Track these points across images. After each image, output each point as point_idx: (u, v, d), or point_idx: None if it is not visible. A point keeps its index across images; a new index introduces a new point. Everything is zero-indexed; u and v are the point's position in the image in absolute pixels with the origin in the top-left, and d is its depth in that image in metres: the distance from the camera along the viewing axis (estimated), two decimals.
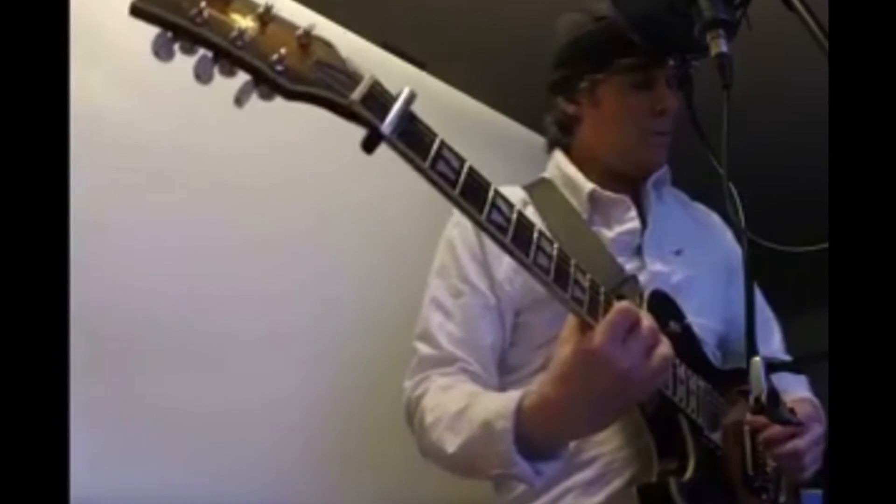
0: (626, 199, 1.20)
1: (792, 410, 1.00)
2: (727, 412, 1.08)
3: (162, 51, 0.61)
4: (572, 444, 1.04)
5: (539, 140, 1.38)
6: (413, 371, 1.10)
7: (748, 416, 1.07)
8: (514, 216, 0.76)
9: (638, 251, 1.17)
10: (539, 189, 1.24)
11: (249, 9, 0.64)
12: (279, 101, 0.67)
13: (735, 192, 0.90)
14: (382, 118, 0.67)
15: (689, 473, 0.96)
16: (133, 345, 1.23)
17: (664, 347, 0.83)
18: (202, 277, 1.32)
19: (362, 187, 1.48)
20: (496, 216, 0.74)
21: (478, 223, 0.74)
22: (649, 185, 1.24)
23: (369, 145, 0.68)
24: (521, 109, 1.96)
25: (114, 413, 1.18)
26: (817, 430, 1.07)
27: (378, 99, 0.68)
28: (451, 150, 0.73)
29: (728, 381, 1.13)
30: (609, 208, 1.20)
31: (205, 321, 1.31)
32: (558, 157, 1.27)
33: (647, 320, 0.83)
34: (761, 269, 0.96)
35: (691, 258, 1.21)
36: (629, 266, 1.15)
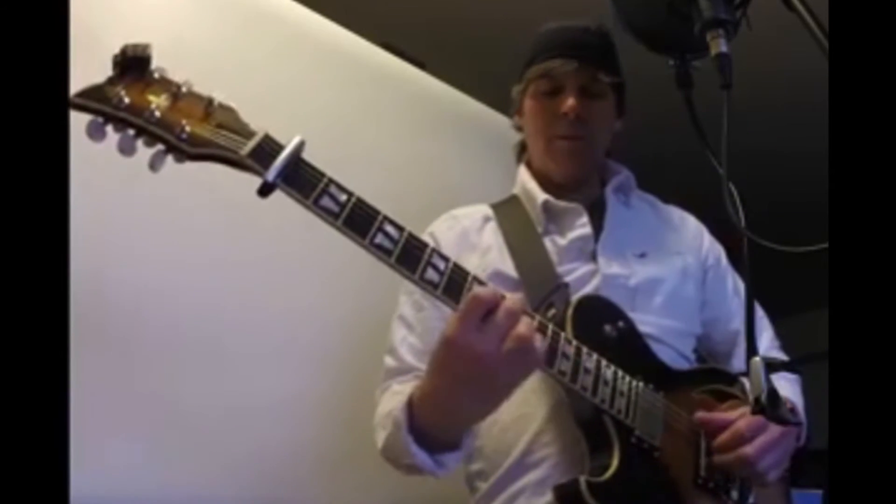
0: (578, 206, 1.24)
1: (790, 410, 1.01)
2: (677, 413, 1.08)
3: (94, 133, 0.77)
4: (523, 444, 1.09)
5: None
6: (381, 381, 1.18)
7: (700, 415, 1.09)
8: (404, 238, 0.85)
9: (593, 256, 1.20)
10: (505, 205, 1.31)
11: (164, 88, 0.80)
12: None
13: (735, 192, 0.89)
14: (268, 167, 0.79)
15: (608, 473, 0.97)
16: (136, 345, 1.24)
17: (522, 327, 0.84)
18: (205, 277, 1.32)
19: (376, 185, 1.48)
20: (380, 239, 0.83)
21: (362, 246, 0.83)
22: (608, 191, 1.30)
23: (263, 191, 0.79)
24: None
25: (115, 413, 1.18)
26: (771, 434, 1.04)
27: (267, 151, 0.80)
28: (339, 186, 0.83)
29: (687, 381, 1.15)
30: (562, 217, 1.25)
31: (207, 321, 1.32)
32: (520, 171, 1.35)
33: (507, 304, 0.84)
34: (759, 269, 0.96)
35: (657, 260, 1.23)
36: (583, 270, 1.18)
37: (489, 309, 0.83)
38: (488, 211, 1.30)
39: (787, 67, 2.11)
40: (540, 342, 0.86)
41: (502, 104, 1.95)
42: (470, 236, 1.25)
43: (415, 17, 2.27)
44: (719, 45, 0.84)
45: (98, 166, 1.18)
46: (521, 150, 1.37)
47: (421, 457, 0.94)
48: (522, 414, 1.10)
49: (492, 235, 1.25)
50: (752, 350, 1.03)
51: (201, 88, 0.83)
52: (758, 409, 0.93)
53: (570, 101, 1.21)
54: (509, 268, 1.18)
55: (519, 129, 1.36)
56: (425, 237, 1.24)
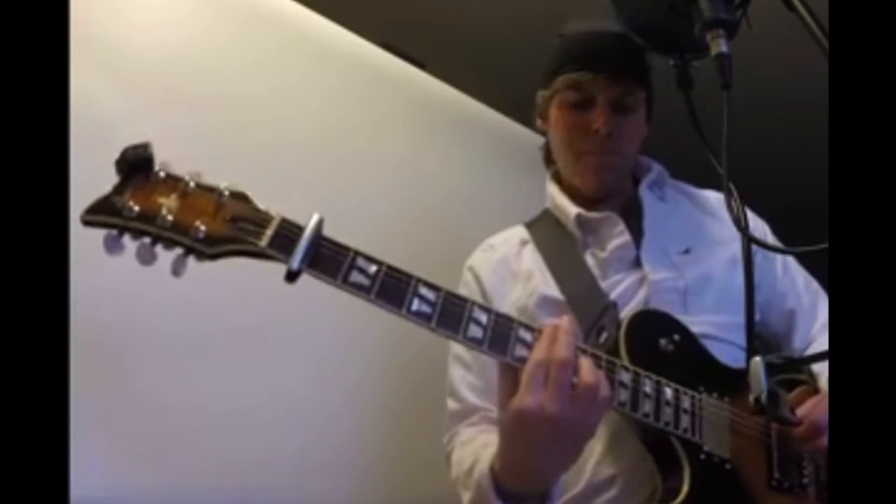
0: (612, 215, 1.20)
1: (792, 409, 1.00)
2: (743, 417, 1.06)
3: (112, 247, 0.76)
4: (591, 466, 1.07)
5: (538, 140, 1.39)
6: (447, 426, 1.16)
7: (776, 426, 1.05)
8: (441, 300, 0.84)
9: (637, 262, 1.17)
10: (539, 224, 1.28)
11: (171, 188, 0.78)
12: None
13: (735, 192, 0.89)
14: (291, 253, 0.78)
15: (679, 498, 0.96)
16: (140, 345, 1.24)
17: (586, 374, 0.84)
18: (209, 276, 1.32)
19: (376, 185, 1.48)
20: (417, 305, 0.82)
21: (399, 315, 0.82)
22: (642, 189, 1.25)
23: (289, 278, 0.78)
24: (521, 109, 1.96)
25: (121, 414, 1.18)
26: None
27: (286, 237, 0.79)
28: (366, 258, 0.82)
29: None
30: (598, 228, 1.21)
31: (213, 321, 1.32)
32: (550, 186, 1.31)
33: (561, 353, 0.83)
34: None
35: (702, 254, 1.19)
36: (629, 279, 1.15)
37: (547, 367, 0.83)
38: (524, 233, 1.27)
39: (787, 67, 2.11)
40: (604, 379, 0.86)
41: (502, 104, 1.95)
42: (510, 264, 1.23)
43: (415, 17, 2.27)
44: (719, 45, 0.84)
45: (98, 166, 1.18)
46: (548, 155, 1.32)
47: None
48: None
49: (531, 259, 1.22)
50: (751, 350, 1.03)
51: (209, 180, 0.81)
52: (758, 408, 0.93)
53: (602, 119, 1.17)
54: (554, 291, 1.16)
55: (543, 133, 1.31)
56: (465, 273, 1.26)
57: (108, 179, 1.23)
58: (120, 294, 1.22)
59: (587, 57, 1.18)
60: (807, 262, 1.34)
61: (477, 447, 1.04)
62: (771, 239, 1.31)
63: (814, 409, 1.04)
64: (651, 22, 1.05)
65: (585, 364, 0.85)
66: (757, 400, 0.92)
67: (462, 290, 1.21)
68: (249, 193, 0.81)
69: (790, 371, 1.14)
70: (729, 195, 0.87)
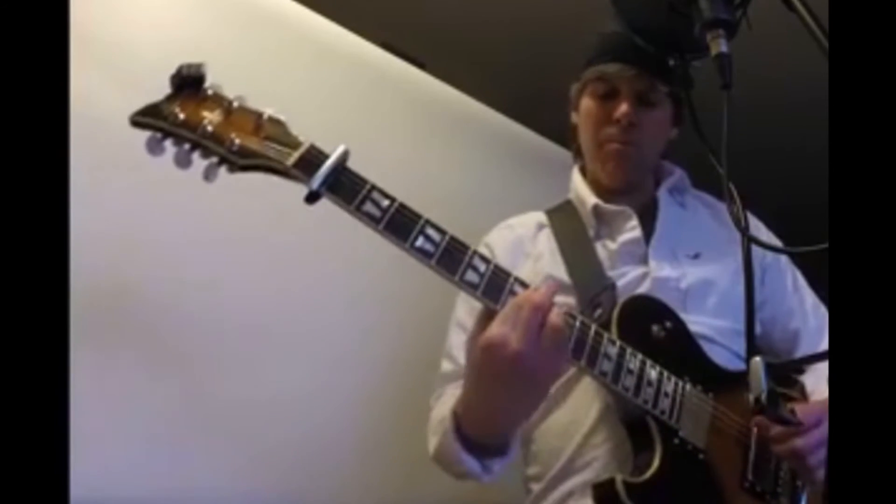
0: (627, 210, 1.24)
1: (792, 411, 1.00)
2: (726, 415, 1.07)
3: (153, 148, 0.84)
4: (573, 447, 1.09)
5: (538, 139, 1.39)
6: (436, 385, 1.20)
7: (759, 419, 1.05)
8: (445, 241, 0.88)
9: (645, 259, 1.20)
10: (559, 211, 1.31)
11: (217, 104, 0.86)
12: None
13: (735, 192, 0.89)
14: (313, 176, 0.83)
15: (647, 474, 0.97)
16: (156, 340, 1.24)
17: (553, 318, 0.86)
18: (208, 274, 1.32)
19: (404, 180, 1.48)
20: (421, 242, 0.87)
21: (403, 249, 0.87)
22: (662, 191, 1.29)
23: (309, 198, 0.84)
24: (521, 109, 1.96)
25: (121, 414, 1.18)
26: (825, 430, 1.04)
27: (311, 161, 0.85)
28: (381, 192, 0.87)
29: (741, 382, 1.12)
30: (612, 221, 1.25)
31: (228, 316, 1.32)
32: (574, 175, 1.35)
33: (536, 296, 0.87)
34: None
35: (710, 261, 1.22)
36: (634, 273, 1.18)
37: (519, 306, 0.86)
38: (542, 218, 1.31)
39: (786, 67, 2.11)
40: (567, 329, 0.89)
41: (502, 104, 1.95)
42: (524, 244, 1.27)
43: (415, 17, 2.27)
44: (719, 45, 0.84)
45: (98, 166, 1.18)
46: (577, 148, 1.35)
47: (470, 463, 0.97)
48: (574, 419, 1.11)
49: (545, 242, 1.26)
50: (751, 350, 1.03)
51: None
52: (758, 408, 0.93)
53: (624, 108, 1.20)
54: (561, 272, 1.19)
55: (574, 127, 1.34)
56: (481, 248, 1.27)
57: (108, 179, 1.23)
58: (123, 294, 1.23)
59: (617, 49, 1.21)
60: (807, 262, 1.34)
61: (453, 402, 1.07)
62: (784, 258, 1.33)
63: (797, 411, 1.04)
64: (651, 22, 1.05)
65: (555, 311, 0.87)
66: (757, 400, 0.92)
67: None
68: (285, 120, 0.88)
69: (784, 386, 1.15)
70: (729, 195, 0.88)
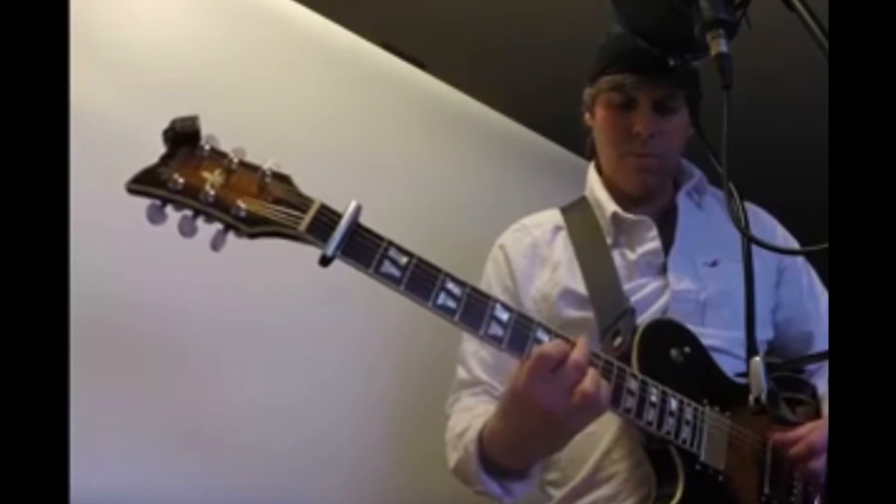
0: (647, 220, 1.22)
1: (793, 411, 1.01)
2: (741, 433, 1.08)
3: (154, 217, 0.78)
4: (594, 460, 1.11)
5: (538, 140, 1.39)
6: (452, 391, 1.22)
7: (777, 437, 1.08)
8: (466, 295, 0.87)
9: (664, 269, 1.19)
10: (575, 212, 1.29)
11: (216, 163, 0.80)
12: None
13: (735, 192, 0.89)
14: (327, 239, 0.80)
15: (672, 503, 0.99)
16: (153, 344, 1.24)
17: (588, 384, 0.87)
18: (213, 280, 1.32)
19: (375, 185, 1.48)
20: (443, 300, 0.85)
21: (424, 307, 0.85)
22: (681, 195, 1.27)
23: (324, 262, 0.81)
24: (520, 109, 1.96)
25: (120, 414, 1.18)
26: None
27: (324, 223, 0.81)
28: (399, 249, 0.84)
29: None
30: (631, 230, 1.23)
31: (210, 324, 1.31)
32: (591, 175, 1.32)
33: (575, 355, 0.88)
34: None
35: (728, 268, 1.20)
36: (653, 286, 1.17)
37: (556, 363, 0.87)
38: (559, 219, 1.29)
39: (787, 67, 2.11)
40: (605, 390, 0.90)
41: (502, 104, 1.95)
42: (540, 249, 1.25)
43: (415, 17, 2.27)
44: (719, 45, 0.84)
45: (98, 166, 1.18)
46: (592, 148, 1.33)
47: (491, 486, 1.01)
48: (593, 429, 1.09)
49: (562, 248, 1.24)
50: (751, 350, 1.03)
51: (252, 158, 0.83)
52: (758, 408, 0.93)
53: (644, 122, 1.17)
54: (579, 285, 1.18)
55: (589, 128, 1.32)
56: (495, 250, 1.28)
57: (107, 179, 1.22)
58: (124, 293, 1.23)
59: (630, 58, 1.18)
60: (806, 262, 1.34)
61: (472, 415, 1.09)
62: (800, 260, 1.32)
63: (812, 430, 1.06)
64: (651, 22, 1.05)
65: (592, 373, 0.89)
66: (757, 400, 0.92)
67: (490, 266, 1.27)
68: (289, 174, 0.83)
69: (795, 390, 1.16)
70: (729, 195, 0.88)
